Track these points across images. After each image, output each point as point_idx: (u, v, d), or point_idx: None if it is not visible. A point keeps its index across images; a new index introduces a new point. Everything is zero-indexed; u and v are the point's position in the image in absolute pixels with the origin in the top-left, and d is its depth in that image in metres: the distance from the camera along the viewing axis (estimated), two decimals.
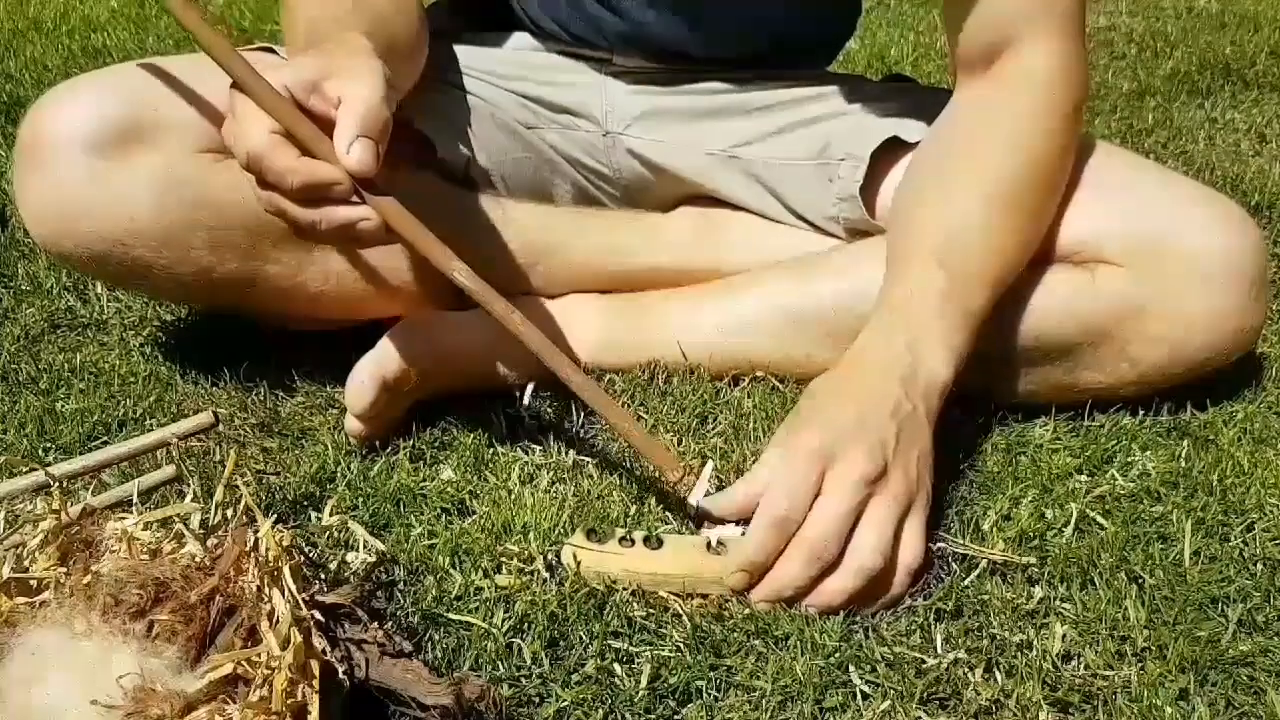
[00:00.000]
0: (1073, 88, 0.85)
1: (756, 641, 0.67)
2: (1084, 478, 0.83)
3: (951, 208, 0.82)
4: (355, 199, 0.68)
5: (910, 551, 0.70)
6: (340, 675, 0.56)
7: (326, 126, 0.68)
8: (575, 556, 0.72)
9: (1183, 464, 0.84)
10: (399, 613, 0.69)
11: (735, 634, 0.68)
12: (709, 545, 0.71)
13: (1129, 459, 0.85)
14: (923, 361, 0.75)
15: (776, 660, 0.66)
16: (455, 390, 0.91)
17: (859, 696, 0.64)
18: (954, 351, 0.77)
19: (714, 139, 0.99)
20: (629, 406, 0.91)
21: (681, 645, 0.67)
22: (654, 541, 0.72)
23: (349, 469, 0.83)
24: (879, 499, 0.70)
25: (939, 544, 0.75)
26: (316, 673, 0.54)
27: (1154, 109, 1.67)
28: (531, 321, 0.73)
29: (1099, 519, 0.78)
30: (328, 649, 0.56)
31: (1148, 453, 0.85)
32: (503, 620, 0.68)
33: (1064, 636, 0.68)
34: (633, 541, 0.72)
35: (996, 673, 0.66)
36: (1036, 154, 0.83)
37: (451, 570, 0.73)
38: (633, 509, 0.78)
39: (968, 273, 0.79)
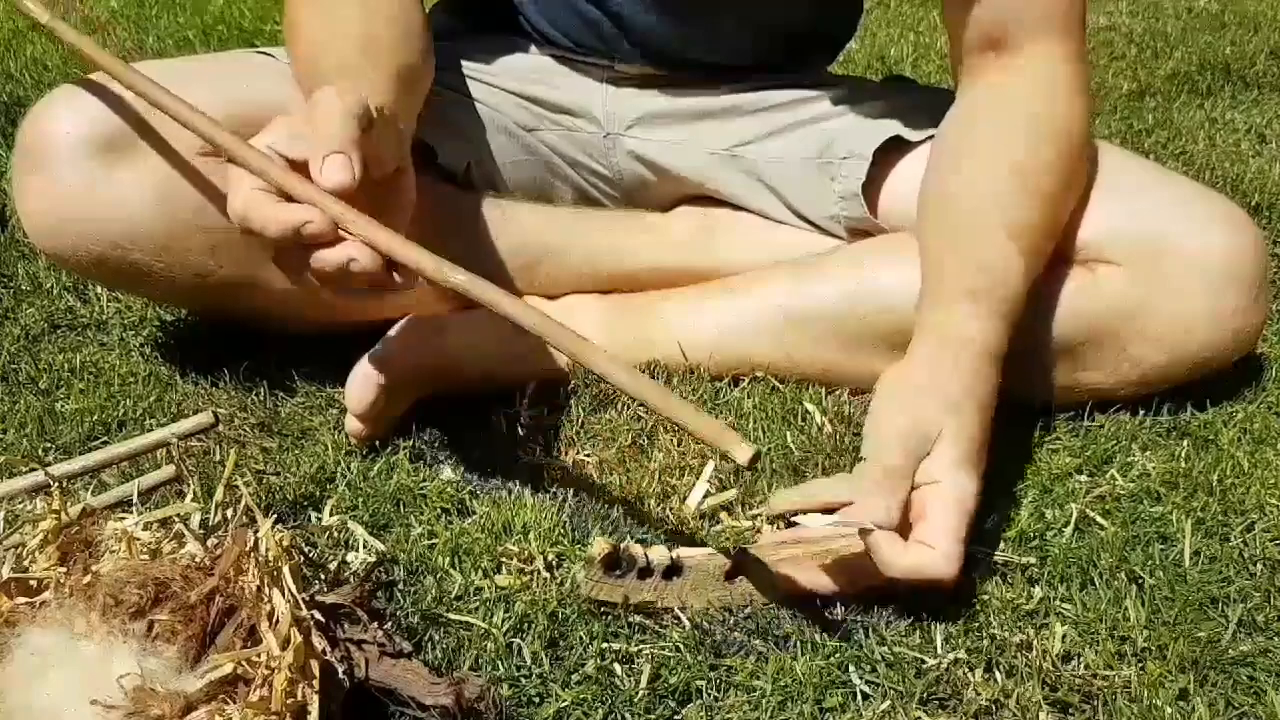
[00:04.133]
0: (1075, 90, 0.85)
1: (756, 641, 0.68)
2: (1084, 478, 0.83)
3: (1001, 206, 0.81)
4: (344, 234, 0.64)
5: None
6: (340, 675, 0.56)
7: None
8: (591, 590, 0.70)
9: (1183, 464, 0.84)
10: (399, 613, 0.69)
11: (735, 634, 0.68)
12: (728, 573, 0.70)
13: (1129, 459, 0.85)
14: (985, 359, 0.75)
15: (776, 660, 0.66)
16: (455, 390, 0.91)
17: (859, 696, 0.64)
18: (1004, 349, 0.76)
19: (715, 139, 0.99)
20: (631, 407, 0.91)
21: (681, 645, 0.67)
22: (675, 567, 0.70)
23: (349, 469, 0.84)
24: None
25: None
26: (316, 673, 0.54)
27: (1154, 109, 1.67)
28: None
29: (1099, 519, 0.78)
30: (328, 649, 0.56)
31: (1148, 453, 0.85)
32: (503, 620, 0.68)
33: (1064, 636, 0.68)
34: (651, 569, 0.70)
35: (996, 673, 0.66)
36: (1054, 150, 0.82)
37: (451, 570, 0.73)
38: (633, 509, 0.78)
39: (1020, 270, 0.78)
